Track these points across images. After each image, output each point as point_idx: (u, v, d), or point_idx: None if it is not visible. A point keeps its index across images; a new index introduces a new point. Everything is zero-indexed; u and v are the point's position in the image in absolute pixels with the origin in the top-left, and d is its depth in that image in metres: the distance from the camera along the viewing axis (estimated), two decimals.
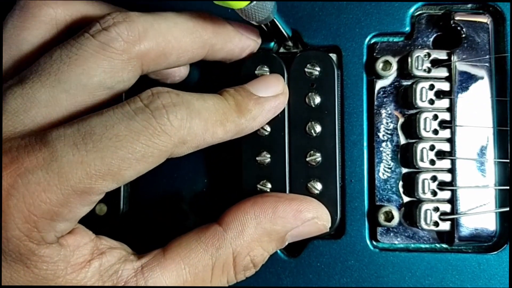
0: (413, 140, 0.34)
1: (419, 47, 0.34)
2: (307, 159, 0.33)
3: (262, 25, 0.32)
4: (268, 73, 0.33)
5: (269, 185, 0.33)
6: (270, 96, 0.31)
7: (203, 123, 0.28)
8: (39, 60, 0.29)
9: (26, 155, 0.26)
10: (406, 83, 0.35)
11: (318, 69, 0.33)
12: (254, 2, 0.29)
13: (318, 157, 0.33)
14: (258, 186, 0.33)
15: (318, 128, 0.33)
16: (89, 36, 0.29)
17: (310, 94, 0.33)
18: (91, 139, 0.26)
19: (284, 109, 0.33)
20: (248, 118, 0.30)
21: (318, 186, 0.33)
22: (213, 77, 0.36)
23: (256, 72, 0.33)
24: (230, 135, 0.30)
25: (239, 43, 0.33)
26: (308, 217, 0.31)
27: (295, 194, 0.33)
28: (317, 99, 0.33)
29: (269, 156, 0.33)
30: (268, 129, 0.33)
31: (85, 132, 0.26)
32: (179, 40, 0.30)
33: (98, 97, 0.29)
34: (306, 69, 0.33)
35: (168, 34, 0.30)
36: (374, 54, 0.35)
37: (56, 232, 0.27)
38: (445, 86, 0.33)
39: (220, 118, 0.29)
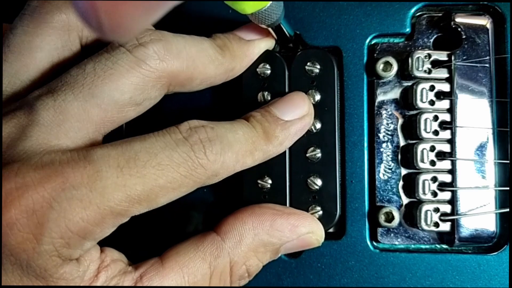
0: (414, 141, 0.34)
1: (420, 48, 0.35)
2: (307, 155, 0.33)
3: (269, 29, 0.32)
4: (269, 71, 0.34)
5: (269, 181, 0.33)
6: (295, 119, 0.32)
7: (234, 156, 0.29)
8: (70, 71, 0.29)
9: (71, 171, 0.25)
10: (406, 84, 0.35)
11: (318, 66, 0.33)
12: (266, 7, 0.29)
13: (318, 153, 0.33)
14: (259, 181, 0.33)
15: (318, 125, 0.33)
16: (125, 51, 0.28)
17: (310, 91, 0.33)
18: (135, 164, 0.26)
19: None
20: (275, 144, 0.31)
21: (318, 182, 0.33)
22: None
23: (257, 69, 0.34)
24: (258, 162, 0.31)
25: (255, 51, 0.33)
26: (303, 231, 0.31)
27: (292, 208, 0.33)
28: (317, 96, 0.33)
29: None
30: None
31: (129, 156, 0.26)
32: (205, 66, 0.31)
33: (125, 113, 0.29)
34: (306, 67, 0.33)
35: (197, 59, 0.30)
36: (375, 55, 0.35)
37: (82, 251, 0.27)
38: (446, 87, 0.34)
39: (249, 148, 0.30)
